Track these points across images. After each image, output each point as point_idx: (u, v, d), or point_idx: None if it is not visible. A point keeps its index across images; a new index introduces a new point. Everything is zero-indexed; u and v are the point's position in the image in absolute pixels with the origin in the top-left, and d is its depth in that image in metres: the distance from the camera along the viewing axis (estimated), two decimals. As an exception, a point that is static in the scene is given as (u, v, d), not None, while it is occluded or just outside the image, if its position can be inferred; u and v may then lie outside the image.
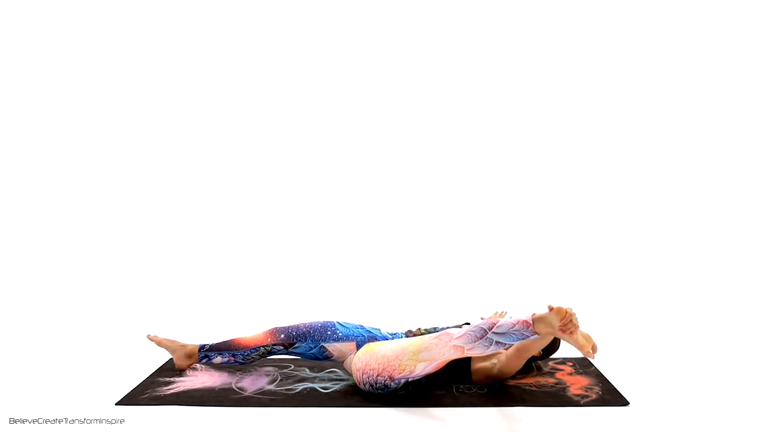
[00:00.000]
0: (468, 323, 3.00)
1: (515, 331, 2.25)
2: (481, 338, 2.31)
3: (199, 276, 4.59)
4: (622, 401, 2.64)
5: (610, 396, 2.70)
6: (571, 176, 4.76)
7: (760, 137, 4.62)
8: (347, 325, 2.91)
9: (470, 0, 4.71)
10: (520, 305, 4.13)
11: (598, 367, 3.10)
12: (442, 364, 2.52)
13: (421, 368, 2.52)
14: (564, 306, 2.17)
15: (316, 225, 4.76)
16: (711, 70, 4.65)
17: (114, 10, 4.66)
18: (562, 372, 2.98)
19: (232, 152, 4.79)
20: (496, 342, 2.30)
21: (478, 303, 4.22)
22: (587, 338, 2.19)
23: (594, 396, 2.67)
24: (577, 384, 2.81)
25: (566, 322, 2.15)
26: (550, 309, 2.19)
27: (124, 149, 4.75)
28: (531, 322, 2.24)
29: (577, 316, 2.18)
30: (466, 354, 2.39)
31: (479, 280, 4.55)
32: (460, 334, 2.39)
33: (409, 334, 2.91)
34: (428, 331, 2.91)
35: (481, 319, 3.22)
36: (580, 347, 2.16)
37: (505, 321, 2.28)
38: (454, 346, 2.38)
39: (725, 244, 4.57)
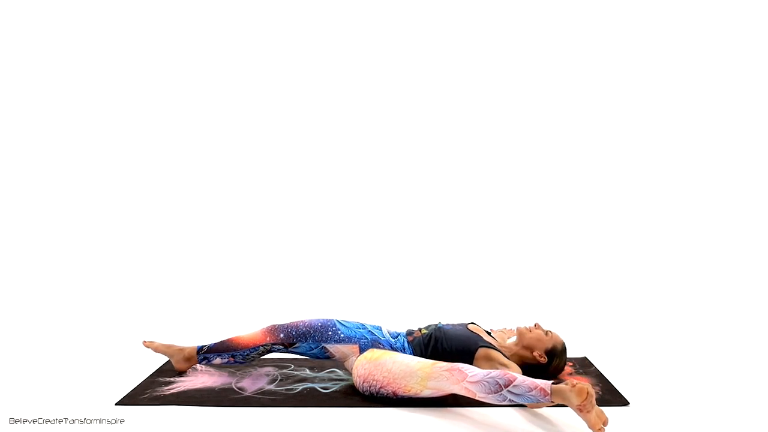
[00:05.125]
0: (473, 323, 3.00)
1: (531, 395, 2.29)
2: (495, 392, 2.33)
3: (198, 275, 4.58)
4: (622, 401, 2.64)
5: (610, 396, 2.70)
6: (571, 176, 4.75)
7: (759, 137, 4.62)
8: (348, 325, 2.89)
9: (470, 0, 4.71)
10: (520, 305, 4.15)
11: (598, 367, 3.10)
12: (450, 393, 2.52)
13: (428, 393, 2.52)
14: (585, 386, 2.19)
15: (315, 224, 4.76)
16: (710, 70, 4.65)
17: (114, 11, 4.67)
18: (562, 372, 2.97)
19: (230, 152, 4.79)
20: (509, 399, 2.32)
21: (478, 302, 4.23)
22: (599, 415, 2.21)
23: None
24: (577, 384, 2.81)
25: (586, 403, 2.18)
26: (573, 386, 2.20)
27: (122, 151, 4.75)
28: (549, 392, 2.26)
29: (594, 395, 2.22)
30: (477, 399, 2.40)
31: (479, 278, 4.55)
32: (474, 378, 2.38)
33: (409, 337, 2.90)
34: (429, 330, 2.90)
35: (491, 330, 3.23)
36: (591, 425, 2.20)
37: (523, 382, 2.30)
38: (466, 388, 2.39)
39: (724, 245, 4.57)
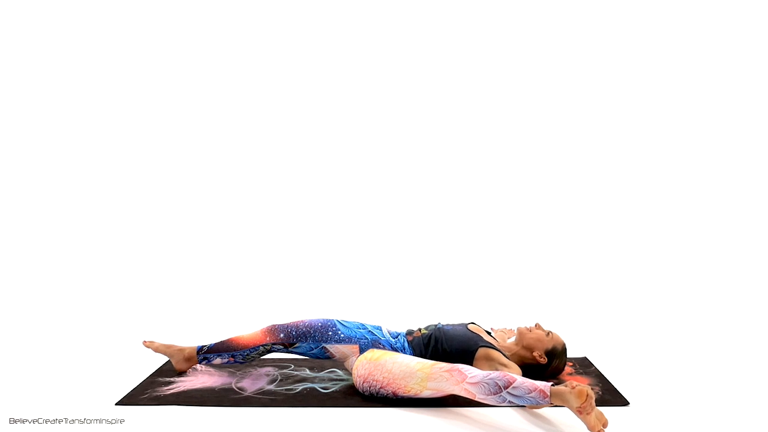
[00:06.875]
0: (473, 323, 3.00)
1: (531, 396, 2.29)
2: (495, 394, 2.34)
3: (198, 275, 4.58)
4: (622, 401, 2.64)
5: (610, 396, 2.70)
6: (570, 176, 4.75)
7: (759, 137, 4.62)
8: (348, 325, 2.89)
9: (470, 0, 4.71)
10: (520, 305, 4.15)
11: (598, 367, 3.10)
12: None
13: (428, 394, 2.53)
14: (585, 388, 2.20)
15: (315, 224, 4.76)
16: (710, 70, 4.65)
17: (114, 10, 4.67)
18: (561, 372, 2.97)
19: (230, 152, 4.79)
20: (509, 400, 2.33)
21: (478, 302, 4.23)
22: (599, 417, 2.21)
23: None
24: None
25: (586, 405, 2.18)
26: (572, 388, 2.21)
27: (122, 150, 4.75)
28: (548, 393, 2.27)
29: (593, 397, 2.22)
30: (477, 400, 2.41)
31: (479, 278, 4.55)
32: (474, 379, 2.38)
33: (409, 337, 2.90)
34: (429, 330, 2.90)
35: (492, 329, 3.23)
36: (591, 427, 2.21)
37: (522, 383, 2.31)
38: (465, 389, 2.40)
39: (724, 244, 4.57)
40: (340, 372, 3.00)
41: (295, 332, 2.86)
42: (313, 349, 2.87)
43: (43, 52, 4.65)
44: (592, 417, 2.20)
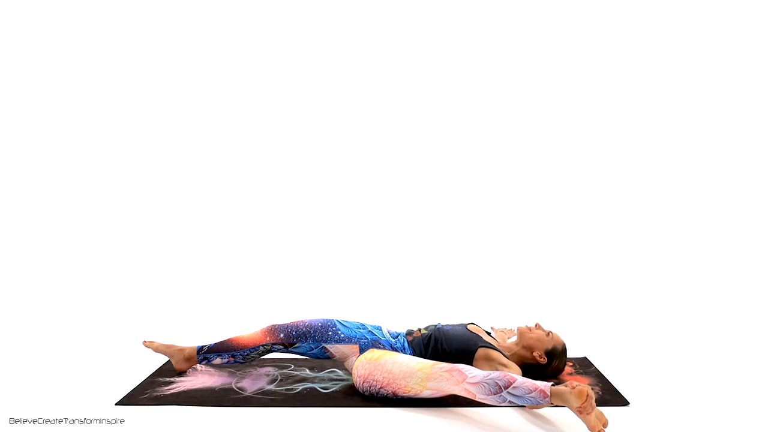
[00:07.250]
0: (473, 323, 3.00)
1: (531, 396, 2.29)
2: (495, 394, 2.34)
3: (198, 275, 4.58)
4: (622, 401, 2.64)
5: (610, 396, 2.70)
6: (570, 176, 4.75)
7: (759, 137, 4.62)
8: (348, 325, 2.89)
9: (470, 0, 4.71)
10: (520, 305, 4.15)
11: (598, 367, 3.10)
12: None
13: (428, 394, 2.53)
14: (585, 388, 2.20)
15: (315, 224, 4.76)
16: (710, 70, 4.65)
17: (114, 10, 4.67)
18: (561, 372, 2.97)
19: (230, 152, 4.79)
20: (509, 400, 2.33)
21: (478, 302, 4.23)
22: (599, 417, 2.22)
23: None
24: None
25: (586, 405, 2.18)
26: (572, 388, 2.21)
27: (122, 151, 4.75)
28: (549, 393, 2.27)
29: (593, 397, 2.22)
30: (477, 400, 2.41)
31: (479, 278, 4.55)
32: (474, 379, 2.38)
33: (409, 337, 2.90)
34: (429, 330, 2.90)
35: (492, 329, 3.23)
36: (591, 427, 2.21)
37: (523, 383, 2.31)
38: (465, 389, 2.40)
39: (724, 244, 4.57)
40: (340, 372, 3.00)
41: (295, 332, 2.86)
42: (313, 349, 2.87)
43: (41, 53, 4.65)
44: (593, 417, 2.20)
